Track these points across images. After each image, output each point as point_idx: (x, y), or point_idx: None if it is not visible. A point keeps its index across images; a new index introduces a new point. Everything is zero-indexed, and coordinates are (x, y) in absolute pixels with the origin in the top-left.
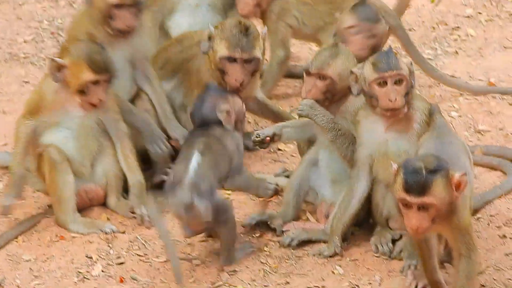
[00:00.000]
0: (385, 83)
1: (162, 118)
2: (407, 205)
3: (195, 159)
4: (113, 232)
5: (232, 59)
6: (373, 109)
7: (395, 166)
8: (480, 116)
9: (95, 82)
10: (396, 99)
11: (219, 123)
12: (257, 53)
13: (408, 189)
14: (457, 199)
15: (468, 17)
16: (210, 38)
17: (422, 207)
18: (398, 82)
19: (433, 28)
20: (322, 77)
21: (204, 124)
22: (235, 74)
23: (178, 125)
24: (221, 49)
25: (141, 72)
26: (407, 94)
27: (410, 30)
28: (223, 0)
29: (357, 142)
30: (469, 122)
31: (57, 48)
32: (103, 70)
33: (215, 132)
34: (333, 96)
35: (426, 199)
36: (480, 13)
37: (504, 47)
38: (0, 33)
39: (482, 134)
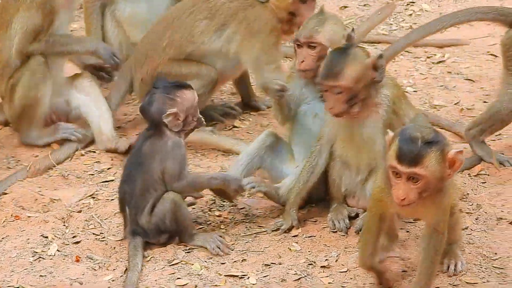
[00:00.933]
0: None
1: None
2: (397, 174)
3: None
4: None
5: (303, 0)
6: None
7: (390, 133)
8: (436, 91)
9: None
10: (333, 107)
11: (166, 125)
12: None
13: (400, 157)
14: (449, 177)
15: None
16: None
17: (412, 178)
18: (338, 92)
19: (388, 3)
20: (312, 45)
21: (152, 124)
22: (309, 12)
23: None
24: None
25: None
26: (353, 99)
27: (365, 5)
28: None
29: (324, 118)
30: (425, 97)
31: None
32: None
33: (158, 135)
34: None
35: (417, 170)
36: None
37: None
38: None
39: (438, 109)
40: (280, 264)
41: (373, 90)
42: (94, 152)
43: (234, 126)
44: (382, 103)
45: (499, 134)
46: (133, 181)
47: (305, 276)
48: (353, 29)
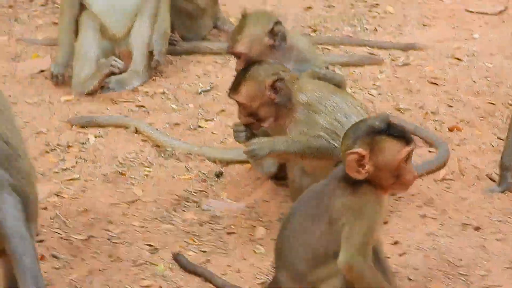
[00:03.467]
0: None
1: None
2: (409, 157)
3: None
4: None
5: None
6: None
7: (359, 150)
8: (400, 94)
9: None
10: (240, 117)
11: None
12: None
13: (408, 140)
14: None
15: None
16: None
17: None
18: (240, 105)
19: (352, 5)
20: (236, 55)
21: None
22: None
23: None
24: None
25: None
26: (254, 114)
27: (329, 7)
28: None
29: None
30: (389, 100)
31: None
32: None
33: None
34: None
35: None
36: None
37: (423, 25)
38: None
39: (402, 112)
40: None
41: (281, 107)
42: (59, 149)
43: (199, 126)
44: (297, 109)
45: (464, 139)
46: None
47: (269, 279)
48: (278, 22)
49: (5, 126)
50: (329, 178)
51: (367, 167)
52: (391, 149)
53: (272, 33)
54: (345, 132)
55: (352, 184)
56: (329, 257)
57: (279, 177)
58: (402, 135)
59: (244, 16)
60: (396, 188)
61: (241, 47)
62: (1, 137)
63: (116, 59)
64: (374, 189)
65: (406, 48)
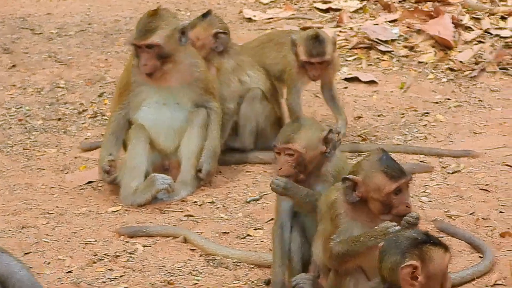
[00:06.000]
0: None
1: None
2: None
3: None
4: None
5: None
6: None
7: (413, 262)
8: (451, 201)
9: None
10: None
11: None
12: None
13: (446, 247)
14: None
15: (437, 103)
16: None
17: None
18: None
19: (402, 114)
20: (289, 152)
21: None
22: None
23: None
24: None
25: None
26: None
27: (379, 116)
28: (192, 97)
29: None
30: (440, 207)
31: (24, 134)
32: None
33: None
34: (305, 167)
35: None
36: (449, 99)
37: (474, 133)
38: None
39: (454, 219)
40: None
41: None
42: (107, 259)
43: (248, 235)
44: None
45: None
46: None
47: None
48: (331, 130)
49: None
50: None
51: (420, 278)
52: (439, 257)
53: (325, 140)
54: (382, 250)
55: None
56: None
57: None
58: (442, 243)
59: (297, 119)
60: None
61: (297, 146)
62: None
63: (172, 180)
64: None
65: (460, 155)
